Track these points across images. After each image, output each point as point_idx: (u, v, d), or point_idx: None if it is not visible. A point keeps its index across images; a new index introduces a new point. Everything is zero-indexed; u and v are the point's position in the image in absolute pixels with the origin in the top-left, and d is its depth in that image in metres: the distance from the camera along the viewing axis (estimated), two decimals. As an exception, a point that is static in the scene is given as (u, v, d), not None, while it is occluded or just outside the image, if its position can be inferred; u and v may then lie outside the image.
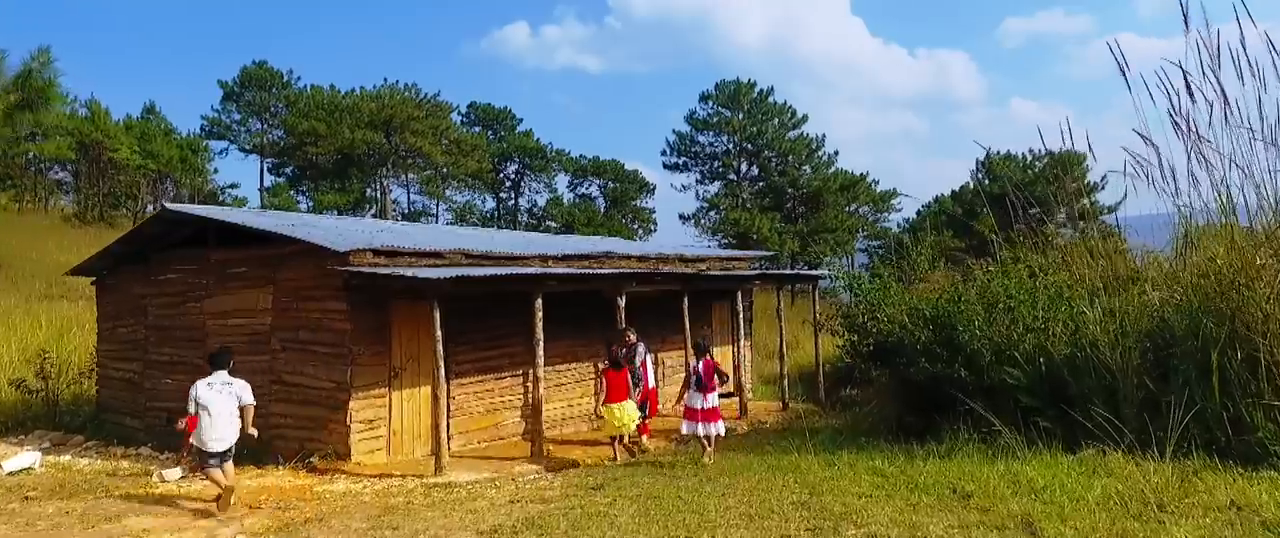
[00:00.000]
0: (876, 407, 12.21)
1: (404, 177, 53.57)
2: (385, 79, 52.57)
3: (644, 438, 11.24)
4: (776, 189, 48.30)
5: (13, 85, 32.30)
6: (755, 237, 41.95)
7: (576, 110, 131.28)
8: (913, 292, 13.01)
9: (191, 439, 8.04)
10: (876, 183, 49.60)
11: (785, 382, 15.46)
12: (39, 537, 7.11)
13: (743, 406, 14.13)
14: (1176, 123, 8.26)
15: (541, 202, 57.17)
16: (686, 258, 15.71)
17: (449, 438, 10.78)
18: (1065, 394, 8.49)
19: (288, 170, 51.67)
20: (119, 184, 41.48)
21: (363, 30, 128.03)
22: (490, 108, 59.61)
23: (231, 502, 7.86)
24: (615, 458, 10.27)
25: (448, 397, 10.66)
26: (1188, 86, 8.09)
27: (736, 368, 14.92)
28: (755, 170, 50.40)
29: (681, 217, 50.94)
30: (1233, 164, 8.15)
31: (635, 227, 54.96)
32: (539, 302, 10.69)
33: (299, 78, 52.82)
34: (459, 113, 56.59)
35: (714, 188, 50.16)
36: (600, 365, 11.06)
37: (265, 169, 52.21)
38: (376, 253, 10.41)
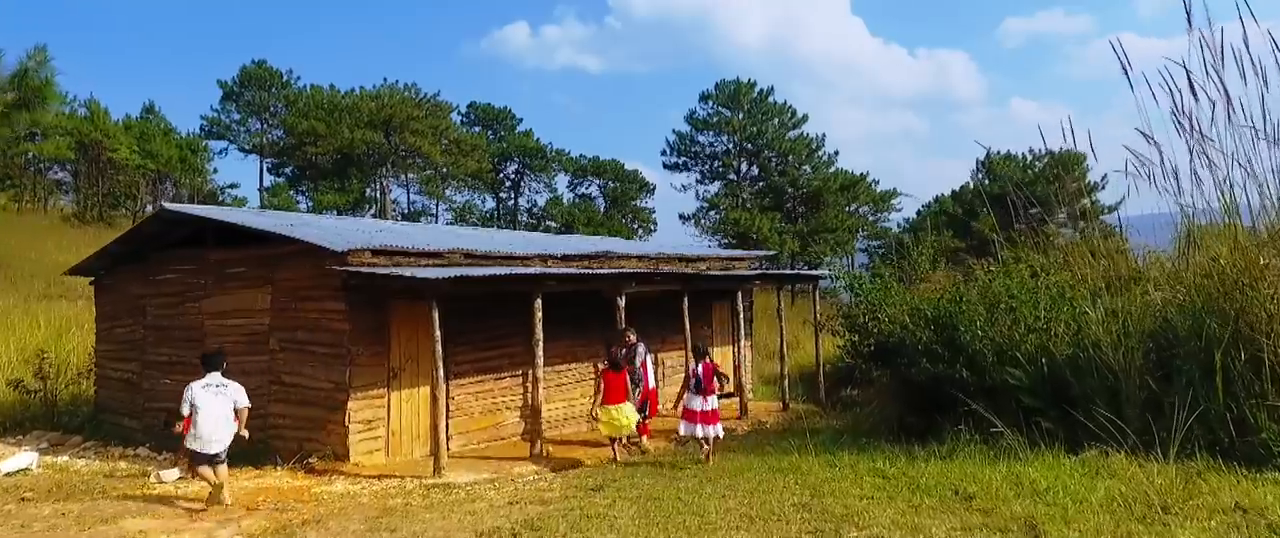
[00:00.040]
0: (877, 407, 12.16)
1: (404, 177, 53.53)
2: (385, 79, 52.60)
3: (644, 438, 11.19)
4: (776, 189, 48.27)
5: (9, 84, 32.22)
6: (755, 237, 41.91)
7: (576, 110, 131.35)
8: (914, 292, 12.96)
9: (186, 440, 8.05)
10: (876, 183, 49.65)
11: (786, 382, 15.41)
12: (35, 538, 7.07)
13: (743, 406, 14.10)
14: (1179, 121, 8.22)
15: (541, 202, 57.22)
16: (686, 258, 15.66)
17: (448, 439, 10.74)
18: (1067, 395, 8.44)
19: (287, 170, 51.63)
20: (118, 184, 41.44)
21: (363, 30, 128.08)
22: (490, 108, 59.58)
23: (222, 499, 7.92)
24: (615, 459, 10.22)
25: (447, 397, 10.61)
26: (1191, 85, 8.05)
27: (737, 368, 14.88)
28: (755, 170, 50.38)
29: (681, 217, 51.01)
30: (1235, 163, 8.11)
31: (635, 227, 54.93)
32: (538, 302, 10.64)
33: (298, 77, 52.89)
34: (459, 113, 56.65)
35: (714, 188, 50.15)
36: (600, 366, 11.02)
37: (265, 169, 52.25)
38: (375, 253, 10.37)
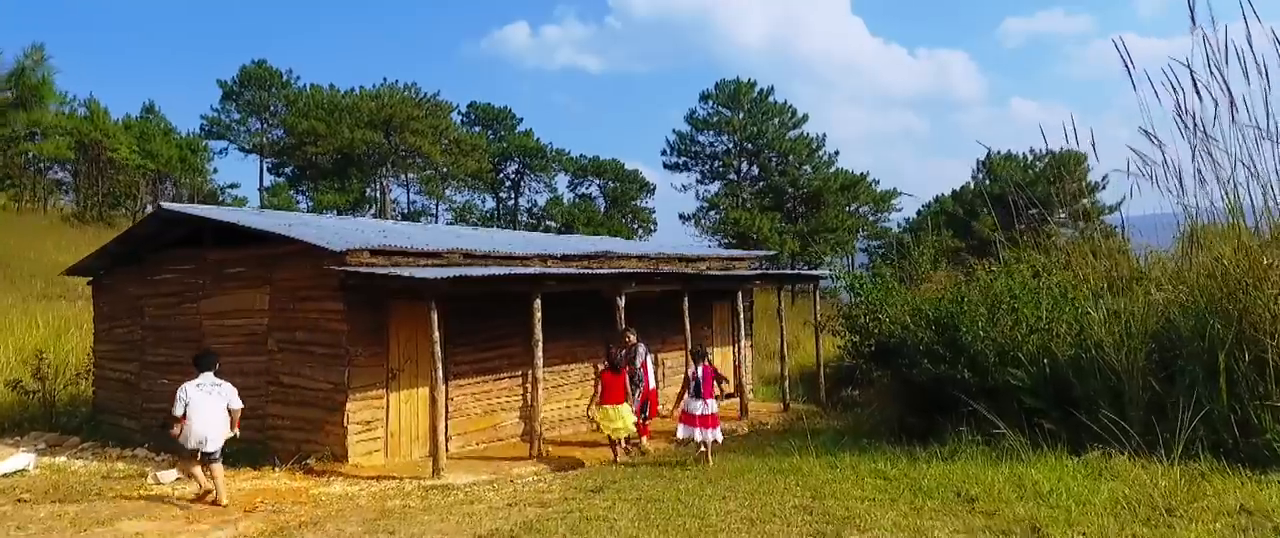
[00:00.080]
0: (878, 408, 12.11)
1: (404, 176, 53.49)
2: (385, 79, 52.51)
3: (644, 439, 11.15)
4: (777, 189, 48.23)
5: (5, 83, 32.19)
6: (755, 236, 41.87)
7: (576, 110, 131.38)
8: (915, 292, 12.91)
9: (180, 439, 8.11)
10: (877, 183, 49.64)
11: (786, 382, 15.37)
12: (31, 540, 7.02)
13: (743, 406, 14.05)
14: (1183, 121, 8.17)
15: (541, 202, 57.17)
16: (686, 258, 15.61)
17: (447, 439, 10.70)
18: (1069, 396, 8.40)
19: (287, 170, 51.59)
20: (118, 184, 41.38)
21: (363, 30, 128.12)
22: (490, 108, 59.52)
23: (218, 500, 7.99)
24: (615, 460, 10.18)
25: (446, 398, 10.55)
26: (1194, 84, 8.00)
27: (737, 368, 14.83)
28: (755, 170, 50.35)
29: (681, 217, 50.99)
30: (1239, 163, 8.07)
31: (635, 227, 54.89)
32: (538, 302, 10.60)
33: (298, 77, 52.82)
34: (459, 113, 56.58)
35: (714, 188, 50.14)
36: (599, 366, 10.98)
37: (265, 169, 52.20)
38: (374, 253, 10.32)
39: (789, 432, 11.76)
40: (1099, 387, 8.18)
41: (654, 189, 56.78)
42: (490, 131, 58.52)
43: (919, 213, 47.57)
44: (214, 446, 8.09)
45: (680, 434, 9.86)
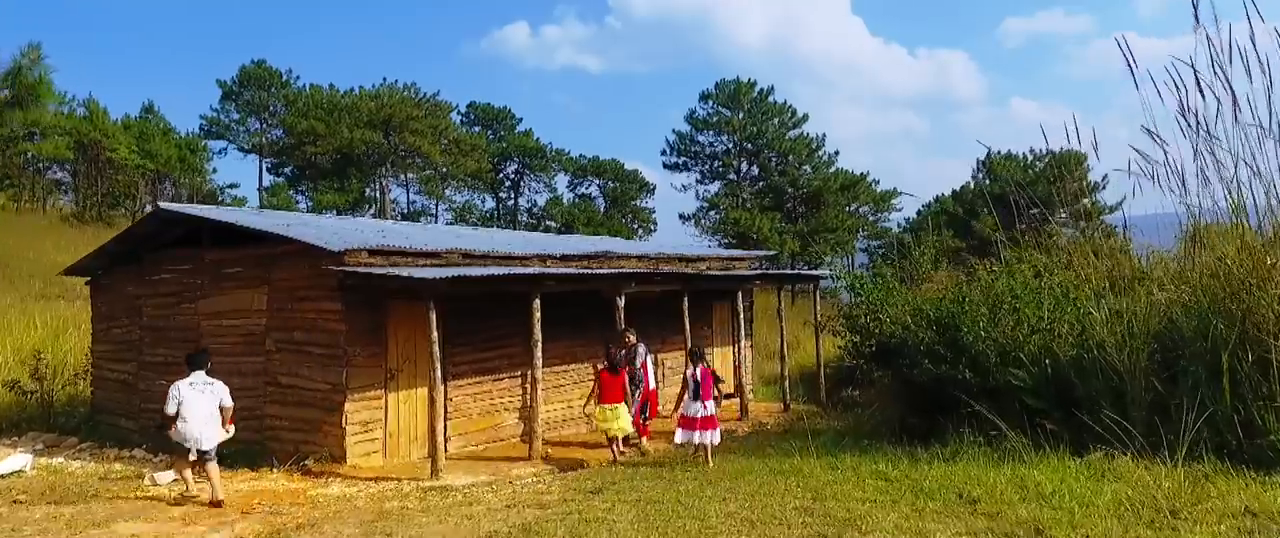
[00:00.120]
0: (879, 408, 12.06)
1: (403, 176, 53.44)
2: (385, 79, 52.44)
3: (644, 440, 11.11)
4: (777, 189, 48.19)
5: (1, 82, 32.13)
6: (755, 236, 41.83)
7: (576, 110, 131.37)
8: (916, 292, 12.86)
9: (173, 437, 8.18)
10: (877, 183, 49.59)
11: (786, 382, 15.32)
12: (26, 542, 6.97)
13: (743, 406, 14.00)
14: (1186, 119, 8.12)
15: (541, 202, 57.10)
16: (686, 258, 15.57)
17: (446, 440, 10.66)
18: (1071, 396, 8.36)
19: (287, 170, 51.53)
20: (117, 184, 41.33)
21: (362, 30, 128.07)
22: (490, 108, 59.46)
23: (202, 500, 8.06)
24: (615, 460, 10.14)
25: (445, 398, 10.52)
26: (1198, 83, 7.95)
27: (737, 368, 14.79)
28: (755, 170, 50.30)
29: (681, 217, 50.92)
30: (1241, 162, 8.02)
31: (635, 227, 54.83)
32: (537, 302, 10.55)
33: (298, 77, 52.73)
34: (458, 113, 56.52)
35: (714, 188, 50.09)
36: (599, 366, 10.95)
37: (264, 169, 52.14)
38: (372, 253, 10.28)
39: (789, 432, 11.71)
40: (1101, 387, 8.14)
41: (654, 189, 56.80)
42: (490, 132, 58.46)
43: (919, 213, 47.56)
44: (208, 444, 8.16)
45: (679, 439, 9.82)
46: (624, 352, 11.03)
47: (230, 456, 9.82)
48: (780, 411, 14.67)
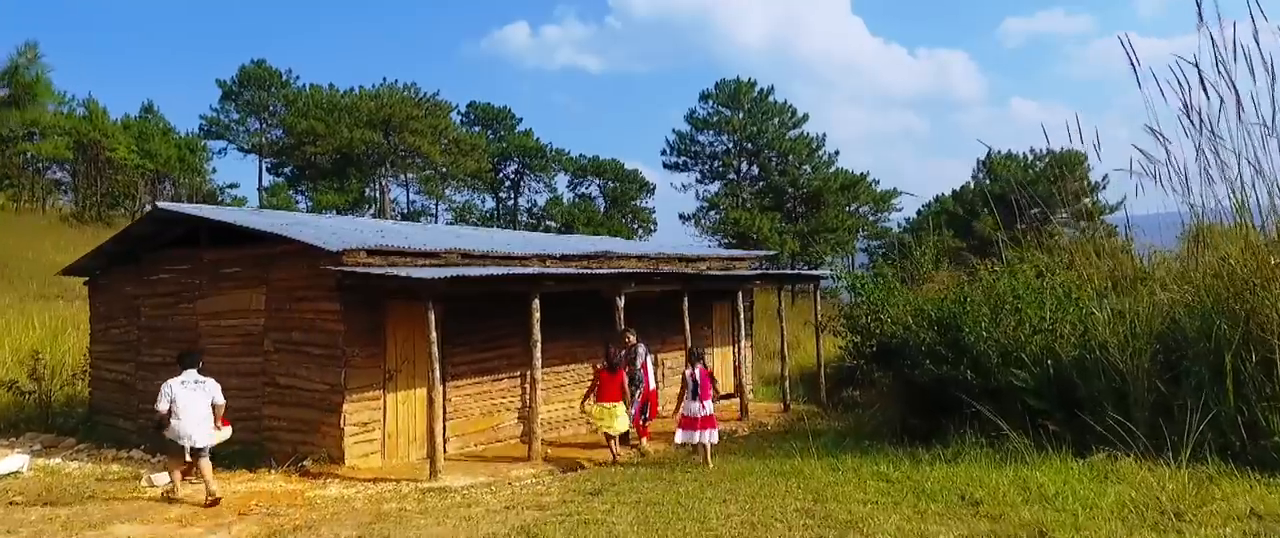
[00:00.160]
0: (880, 409, 12.02)
1: (403, 176, 53.39)
2: (384, 79, 52.40)
3: (644, 441, 11.07)
4: (777, 189, 48.14)
5: (-2, 81, 32.05)
6: (755, 236, 41.78)
7: (576, 110, 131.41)
8: (917, 292, 12.81)
9: (166, 435, 8.24)
10: (877, 182, 49.52)
11: (786, 383, 15.27)
12: (21, 544, 6.93)
13: (744, 407, 13.95)
14: (1190, 118, 8.07)
15: (541, 202, 57.05)
16: (686, 258, 15.52)
17: (445, 441, 10.61)
18: (1074, 397, 8.31)
19: (286, 170, 51.48)
20: (117, 184, 41.31)
21: (362, 30, 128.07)
22: (490, 107, 59.42)
23: (180, 498, 8.12)
24: (615, 460, 10.10)
25: (444, 399, 10.47)
26: (1202, 81, 7.90)
27: (737, 369, 14.74)
28: (755, 170, 50.26)
29: (681, 216, 50.86)
30: (1244, 161, 7.97)
31: (635, 227, 54.78)
32: (536, 302, 10.50)
33: (298, 77, 52.71)
34: (458, 112, 56.46)
35: (714, 187, 50.04)
36: (598, 365, 10.92)
37: (264, 169, 52.10)
38: (370, 253, 10.23)
39: (790, 433, 11.66)
40: (1104, 388, 8.09)
41: (654, 189, 56.73)
42: (490, 131, 58.41)
43: (919, 213, 47.53)
44: (201, 441, 8.22)
45: (680, 439, 9.82)
46: (624, 352, 10.99)
47: (228, 456, 9.78)
48: (780, 411, 14.62)
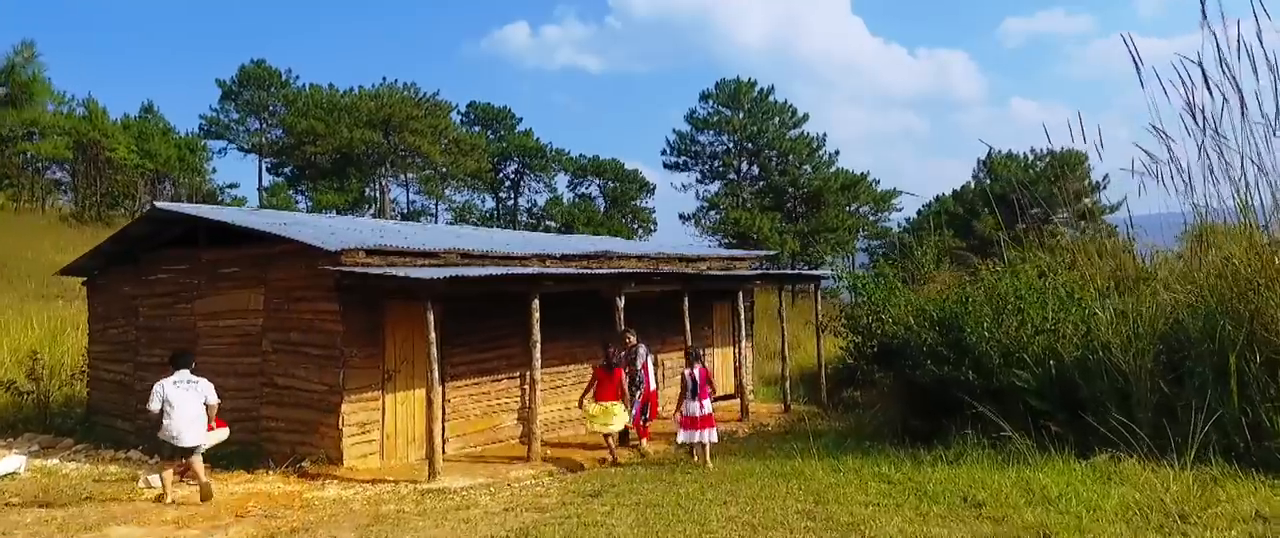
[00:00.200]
0: (881, 410, 11.96)
1: (403, 176, 53.35)
2: (384, 78, 52.34)
3: (644, 442, 11.02)
4: (777, 189, 48.10)
5: (-6, 80, 31.98)
6: (756, 236, 41.73)
7: (576, 110, 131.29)
8: (918, 292, 12.77)
9: (159, 435, 8.27)
10: (877, 182, 49.48)
11: (787, 383, 15.22)
12: (17, 546, 6.88)
13: (744, 407, 13.90)
14: (1194, 117, 8.02)
15: (541, 201, 57.00)
16: (686, 258, 15.47)
17: (444, 441, 10.56)
18: (1076, 398, 8.26)
19: (286, 170, 51.45)
20: (117, 184, 41.22)
21: (362, 30, 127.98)
22: (490, 107, 59.38)
23: (170, 502, 8.10)
24: (614, 460, 10.06)
25: (443, 400, 10.42)
26: (1206, 80, 7.85)
27: (737, 369, 14.69)
28: (756, 170, 50.21)
29: (681, 216, 50.82)
30: (1248, 160, 7.93)
31: (635, 226, 54.73)
32: (536, 302, 10.45)
33: (298, 77, 52.68)
34: (458, 112, 56.43)
35: (714, 187, 50.00)
36: (597, 365, 10.89)
37: (264, 169, 52.07)
38: (369, 253, 10.18)
39: (790, 433, 11.61)
40: (1106, 388, 8.04)
41: (654, 189, 56.66)
42: (490, 131, 58.38)
43: (919, 213, 47.45)
44: (193, 441, 8.26)
45: (681, 439, 9.80)
46: (624, 352, 10.95)
47: (226, 457, 9.74)
48: (781, 411, 14.57)
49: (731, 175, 49.79)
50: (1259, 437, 7.02)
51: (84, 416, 13.32)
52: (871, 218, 50.70)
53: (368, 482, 9.12)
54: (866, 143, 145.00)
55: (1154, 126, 8.28)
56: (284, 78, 51.93)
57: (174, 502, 8.15)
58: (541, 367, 10.68)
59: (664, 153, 51.25)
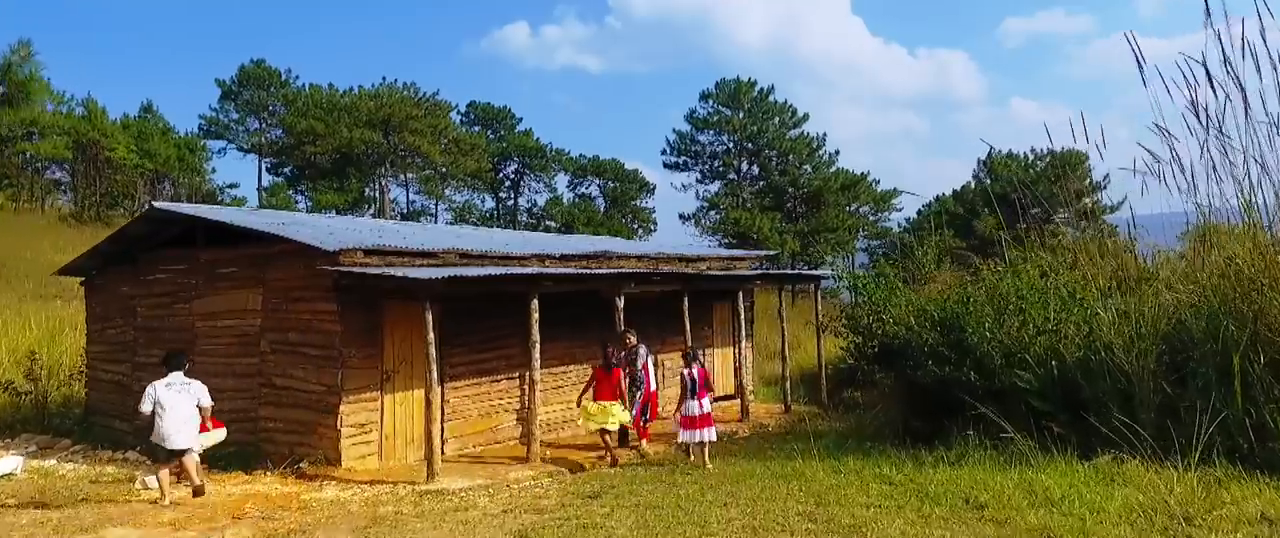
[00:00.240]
0: (882, 410, 11.91)
1: (403, 176, 53.30)
2: (384, 78, 52.31)
3: (644, 443, 10.97)
4: (777, 188, 48.06)
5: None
6: (756, 236, 41.70)
7: (576, 110, 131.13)
8: (919, 292, 12.72)
9: (151, 437, 8.28)
10: (877, 182, 49.46)
11: (787, 383, 15.17)
12: (12, 548, 6.83)
13: (744, 407, 13.84)
14: (1197, 116, 7.97)
15: (541, 201, 56.96)
16: (686, 258, 15.42)
17: (444, 442, 10.52)
18: (1078, 398, 8.22)
19: (286, 170, 51.41)
20: (116, 184, 41.15)
21: (362, 29, 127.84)
22: (490, 107, 59.34)
23: (166, 504, 8.05)
24: (612, 460, 10.01)
25: (441, 400, 10.37)
26: (1209, 79, 7.81)
27: (737, 369, 14.64)
28: (756, 170, 50.18)
29: (681, 216, 50.79)
30: (1251, 159, 7.88)
31: (635, 226, 54.69)
32: (535, 303, 10.40)
33: (297, 77, 52.64)
34: (458, 112, 56.38)
35: (714, 187, 49.97)
36: (595, 365, 10.85)
37: (263, 169, 52.02)
38: (367, 252, 10.13)
39: (791, 434, 11.56)
40: (1109, 389, 8.00)
41: (654, 189, 56.63)
42: (490, 131, 58.33)
43: (919, 212, 47.44)
44: (183, 444, 8.24)
45: (682, 439, 9.77)
46: (624, 353, 10.91)
47: (223, 458, 9.70)
48: (781, 412, 14.52)
49: (731, 175, 49.76)
50: (1263, 438, 6.97)
51: (82, 416, 13.27)
52: (871, 218, 50.68)
53: (366, 483, 9.07)
54: (866, 143, 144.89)
55: (1157, 125, 8.23)
56: (284, 78, 51.91)
57: (171, 503, 8.11)
58: (541, 367, 10.64)
59: (664, 153, 51.29)
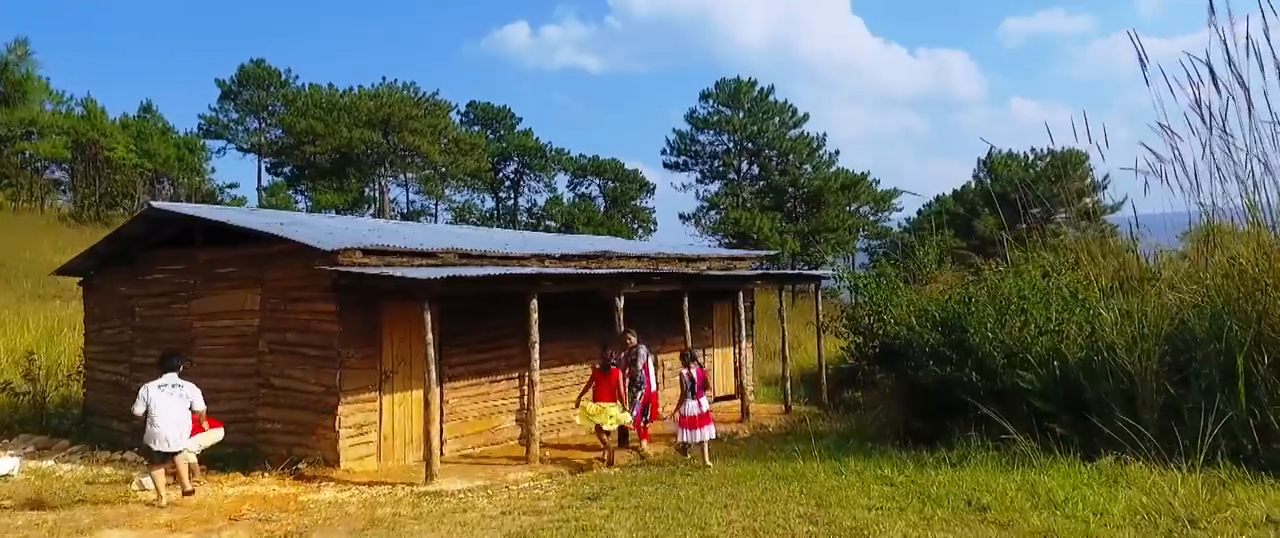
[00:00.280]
0: (883, 411, 11.86)
1: (402, 176, 53.25)
2: (384, 78, 52.28)
3: (644, 444, 10.93)
4: (777, 188, 48.02)
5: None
6: (756, 236, 41.65)
7: (576, 110, 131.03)
8: (920, 292, 12.67)
9: (144, 439, 8.24)
10: (877, 182, 49.43)
11: (788, 384, 15.12)
12: (7, 550, 6.78)
13: (744, 408, 13.80)
14: (1200, 115, 7.93)
15: (541, 201, 56.92)
16: (686, 258, 15.37)
17: (443, 443, 10.47)
18: (1081, 399, 8.17)
19: (286, 170, 51.36)
20: (115, 183, 41.06)
21: (362, 29, 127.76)
22: (489, 107, 59.28)
23: (163, 505, 7.98)
24: (610, 460, 9.96)
25: (440, 401, 10.32)
26: (1213, 78, 7.76)
27: (738, 370, 14.59)
28: (756, 169, 50.14)
29: (681, 216, 50.75)
30: (1254, 159, 7.84)
31: (635, 226, 54.65)
32: (535, 303, 10.36)
33: (297, 77, 52.56)
34: (458, 112, 56.34)
35: (714, 187, 49.93)
36: (594, 366, 10.81)
37: (263, 168, 51.97)
38: (366, 252, 10.08)
39: (791, 435, 11.51)
40: (1111, 390, 7.95)
41: (654, 189, 56.58)
42: (490, 131, 58.28)
43: (920, 212, 47.41)
44: (176, 445, 8.20)
45: (682, 439, 9.73)
46: (624, 353, 10.87)
47: (222, 459, 9.65)
48: (782, 412, 14.47)
49: (731, 175, 49.72)
50: (1267, 439, 6.92)
51: (80, 416, 13.22)
52: (872, 218, 50.65)
53: (364, 484, 9.02)
54: (866, 143, 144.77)
55: (1160, 123, 8.18)
56: (283, 77, 51.85)
57: (168, 504, 8.05)
58: (540, 368, 10.59)
59: (664, 153, 51.25)
